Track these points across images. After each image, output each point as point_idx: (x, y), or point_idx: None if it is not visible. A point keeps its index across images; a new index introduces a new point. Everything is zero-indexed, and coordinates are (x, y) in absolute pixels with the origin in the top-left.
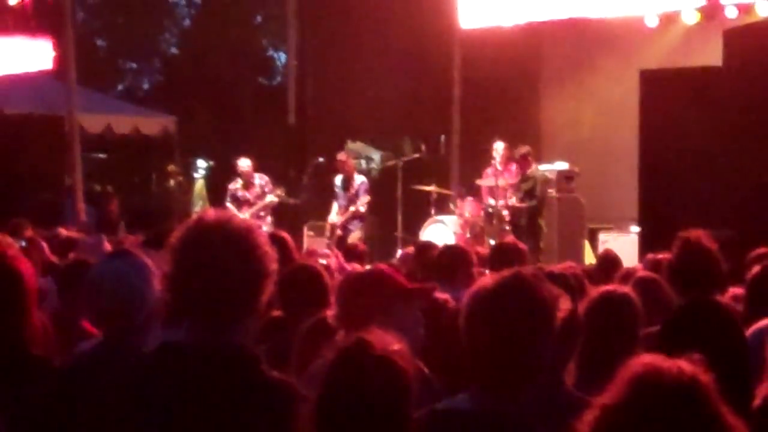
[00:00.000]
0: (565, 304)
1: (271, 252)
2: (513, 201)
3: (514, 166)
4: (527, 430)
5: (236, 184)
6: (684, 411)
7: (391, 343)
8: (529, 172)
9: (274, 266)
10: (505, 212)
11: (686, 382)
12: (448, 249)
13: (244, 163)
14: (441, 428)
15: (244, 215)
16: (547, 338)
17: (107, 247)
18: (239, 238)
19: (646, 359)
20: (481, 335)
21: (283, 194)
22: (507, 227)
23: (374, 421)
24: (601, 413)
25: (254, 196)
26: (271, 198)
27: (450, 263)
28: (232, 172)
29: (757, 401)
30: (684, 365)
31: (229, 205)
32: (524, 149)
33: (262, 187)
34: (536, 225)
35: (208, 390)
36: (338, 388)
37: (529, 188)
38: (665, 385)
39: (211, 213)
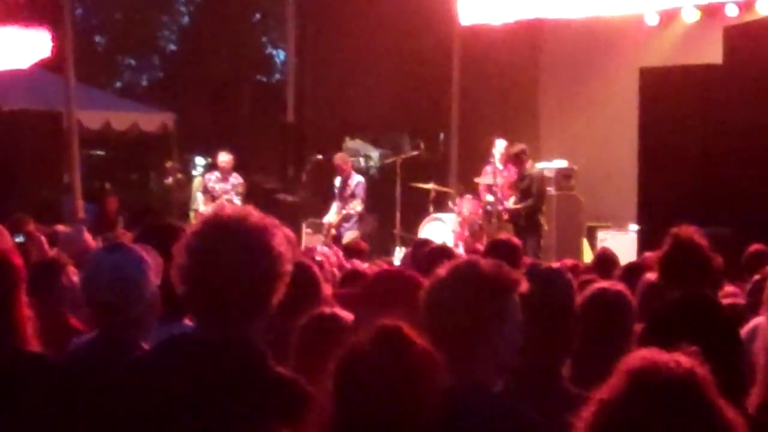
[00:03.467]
0: (523, 287)
1: (285, 252)
2: (509, 203)
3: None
4: (507, 410)
5: (212, 176)
6: (681, 404)
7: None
8: (526, 171)
9: (288, 266)
10: (505, 216)
11: (683, 375)
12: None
13: (224, 158)
14: None
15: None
16: (503, 320)
17: (88, 238)
18: (254, 237)
19: (643, 353)
20: (437, 323)
21: (240, 202)
22: (509, 225)
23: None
24: (598, 408)
25: (222, 192)
26: (228, 197)
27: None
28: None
29: (756, 399)
30: (680, 358)
31: (199, 195)
32: (518, 148)
33: (234, 186)
34: (537, 223)
35: (216, 385)
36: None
37: (526, 187)
38: (662, 379)
39: (228, 210)
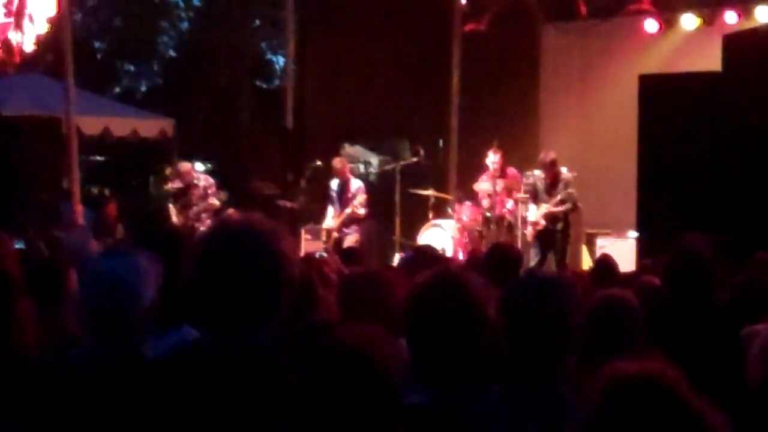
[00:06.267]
0: (495, 295)
1: (294, 258)
2: (543, 208)
3: (511, 170)
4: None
5: (177, 185)
6: (655, 409)
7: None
8: (561, 175)
9: (296, 272)
10: (534, 217)
11: (652, 380)
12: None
13: (184, 167)
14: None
15: (179, 216)
16: (482, 329)
17: (93, 244)
18: (263, 244)
19: (608, 368)
20: (419, 332)
21: (225, 200)
22: (518, 233)
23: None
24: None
25: (196, 197)
26: (213, 201)
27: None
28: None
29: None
30: (647, 365)
31: (170, 205)
32: (551, 155)
33: (205, 189)
34: (568, 229)
35: (230, 392)
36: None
37: (564, 191)
38: (632, 389)
39: (236, 217)
